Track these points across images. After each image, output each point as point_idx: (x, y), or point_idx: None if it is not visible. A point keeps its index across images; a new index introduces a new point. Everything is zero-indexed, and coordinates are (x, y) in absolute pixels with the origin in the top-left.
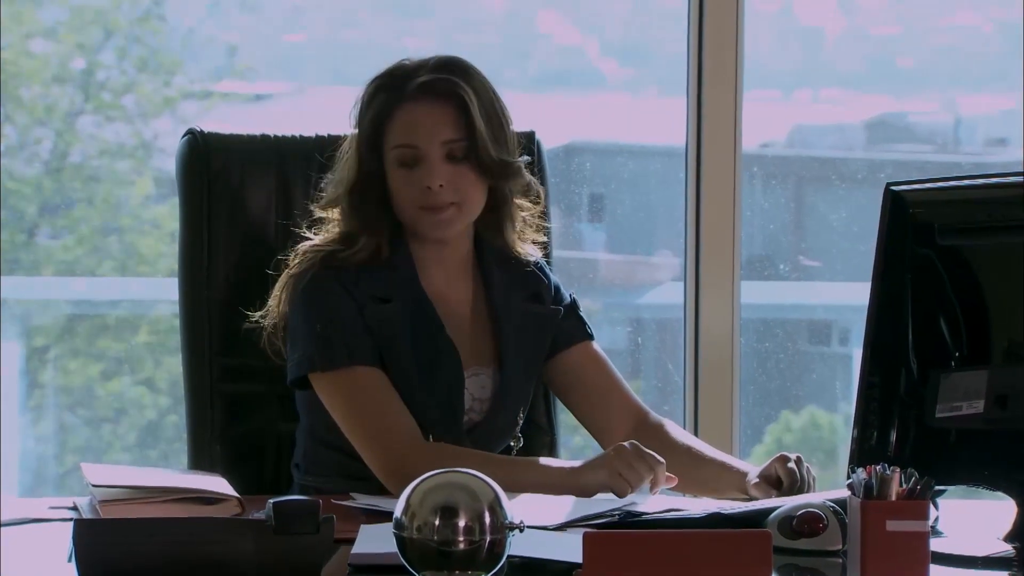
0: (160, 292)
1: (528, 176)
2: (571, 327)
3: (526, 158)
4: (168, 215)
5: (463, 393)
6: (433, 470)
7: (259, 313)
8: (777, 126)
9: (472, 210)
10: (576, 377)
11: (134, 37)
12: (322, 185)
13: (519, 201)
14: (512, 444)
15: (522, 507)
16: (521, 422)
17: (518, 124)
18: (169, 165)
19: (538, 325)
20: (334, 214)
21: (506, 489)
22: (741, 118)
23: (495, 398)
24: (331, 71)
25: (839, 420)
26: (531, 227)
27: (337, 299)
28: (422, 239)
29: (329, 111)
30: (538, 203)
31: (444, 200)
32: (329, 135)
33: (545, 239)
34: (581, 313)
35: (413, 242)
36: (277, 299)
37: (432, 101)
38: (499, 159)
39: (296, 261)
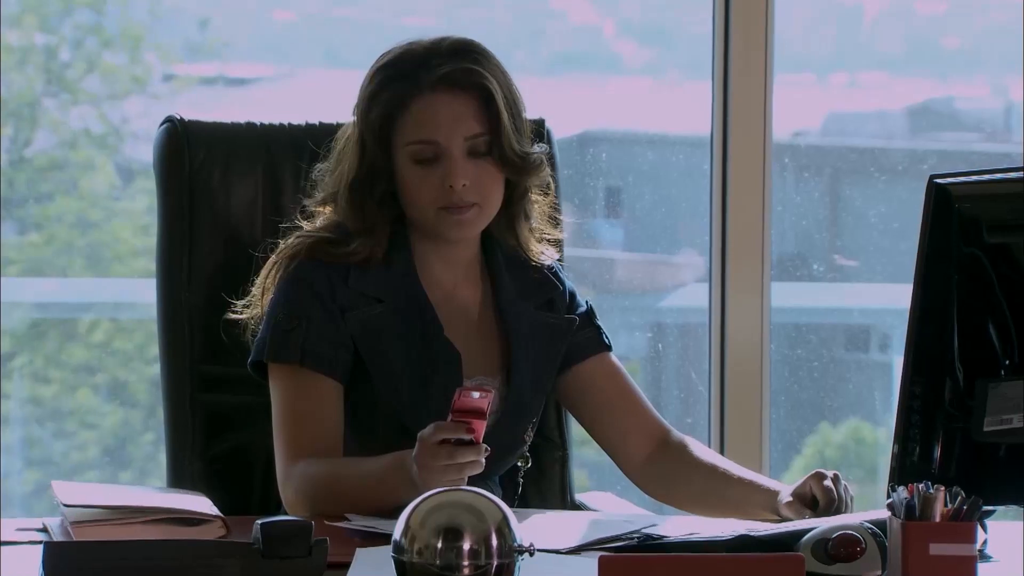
0: (135, 294)
1: (548, 169)
2: (586, 338)
3: (544, 147)
4: (141, 208)
5: None
6: (295, 492)
7: (242, 302)
8: (811, 113)
9: (493, 209)
10: (591, 392)
11: (99, 12)
12: (314, 176)
13: (534, 197)
14: (520, 464)
15: (533, 528)
16: (529, 440)
17: (527, 111)
18: (140, 152)
19: (550, 335)
20: (326, 209)
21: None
22: (771, 104)
23: (501, 411)
24: (323, 52)
25: (879, 434)
26: (548, 222)
27: (314, 297)
28: (433, 239)
29: (321, 96)
30: (548, 194)
31: (467, 200)
32: (321, 123)
33: (560, 235)
34: (598, 322)
35: (417, 241)
36: (262, 287)
37: (453, 93)
38: (521, 152)
39: (283, 247)
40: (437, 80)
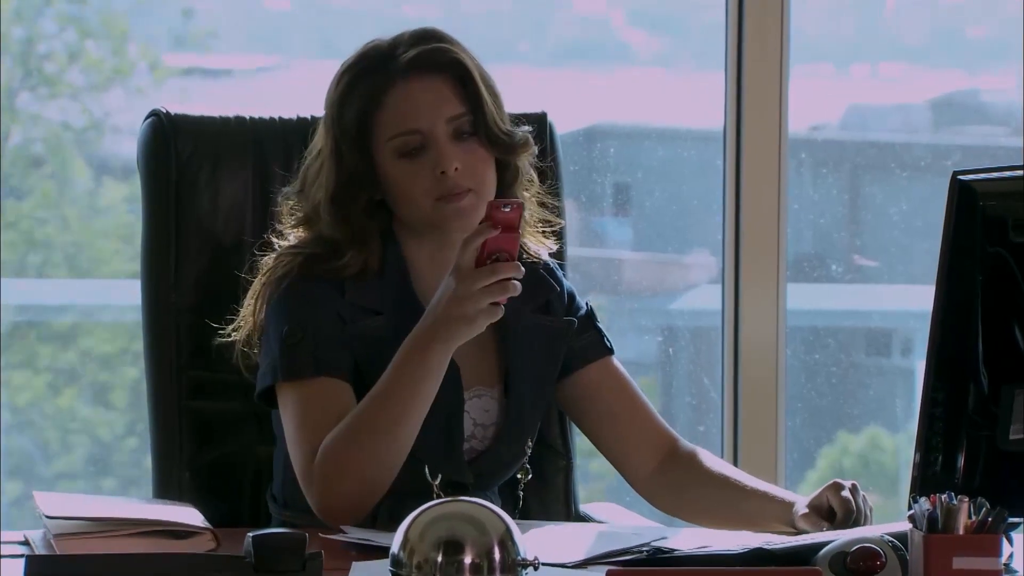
0: (118, 296)
1: (535, 148)
2: (587, 342)
3: (528, 128)
4: (125, 206)
5: (462, 418)
6: (332, 464)
7: (231, 326)
8: (829, 106)
9: (487, 194)
10: (593, 399)
11: (80, 1)
12: (280, 200)
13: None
14: (519, 476)
15: (537, 541)
16: (530, 452)
17: (531, 104)
18: (123, 147)
19: (548, 339)
20: (300, 230)
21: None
22: (788, 97)
23: (500, 424)
24: (318, 43)
25: (900, 443)
26: (545, 208)
27: (313, 306)
28: (427, 241)
29: (315, 89)
30: (533, 183)
31: (462, 185)
32: (314, 117)
33: (559, 221)
34: (599, 325)
35: (409, 247)
36: (251, 308)
37: (426, 76)
38: (507, 130)
39: (271, 266)
40: (407, 66)
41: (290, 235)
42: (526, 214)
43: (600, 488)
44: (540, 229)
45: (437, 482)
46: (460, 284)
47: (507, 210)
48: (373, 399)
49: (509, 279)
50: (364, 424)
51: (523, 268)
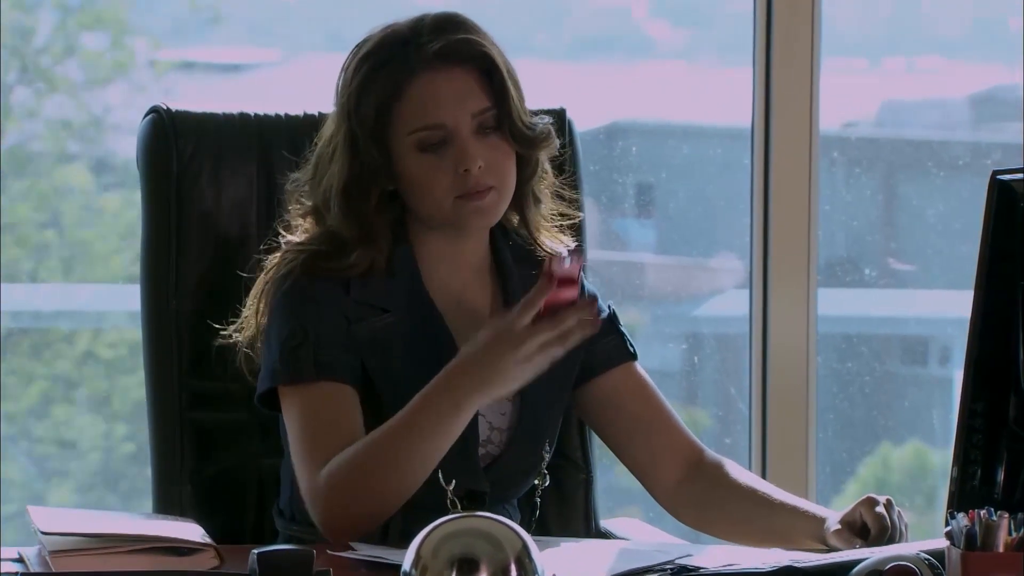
0: (116, 301)
1: (557, 141)
2: (609, 346)
3: (548, 119)
4: (124, 206)
5: (478, 421)
6: (329, 489)
7: (233, 327)
8: (863, 102)
9: (509, 191)
10: (615, 406)
11: None
12: (288, 188)
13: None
14: (537, 483)
15: (556, 559)
16: (548, 457)
17: (549, 99)
18: (123, 145)
19: None
20: (306, 221)
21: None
22: (819, 92)
23: (516, 428)
24: (324, 35)
25: (937, 456)
26: (562, 200)
27: (317, 307)
28: (439, 238)
29: (322, 83)
30: (547, 175)
31: (484, 183)
32: (321, 113)
33: (577, 214)
34: (622, 328)
35: (421, 243)
36: (254, 308)
37: (451, 68)
38: (530, 123)
39: (275, 264)
40: (432, 57)
41: (297, 226)
42: (544, 210)
43: (622, 503)
44: (557, 224)
45: (451, 487)
46: (523, 345)
47: (567, 264)
48: (392, 431)
49: (570, 331)
50: (379, 455)
51: (589, 300)
